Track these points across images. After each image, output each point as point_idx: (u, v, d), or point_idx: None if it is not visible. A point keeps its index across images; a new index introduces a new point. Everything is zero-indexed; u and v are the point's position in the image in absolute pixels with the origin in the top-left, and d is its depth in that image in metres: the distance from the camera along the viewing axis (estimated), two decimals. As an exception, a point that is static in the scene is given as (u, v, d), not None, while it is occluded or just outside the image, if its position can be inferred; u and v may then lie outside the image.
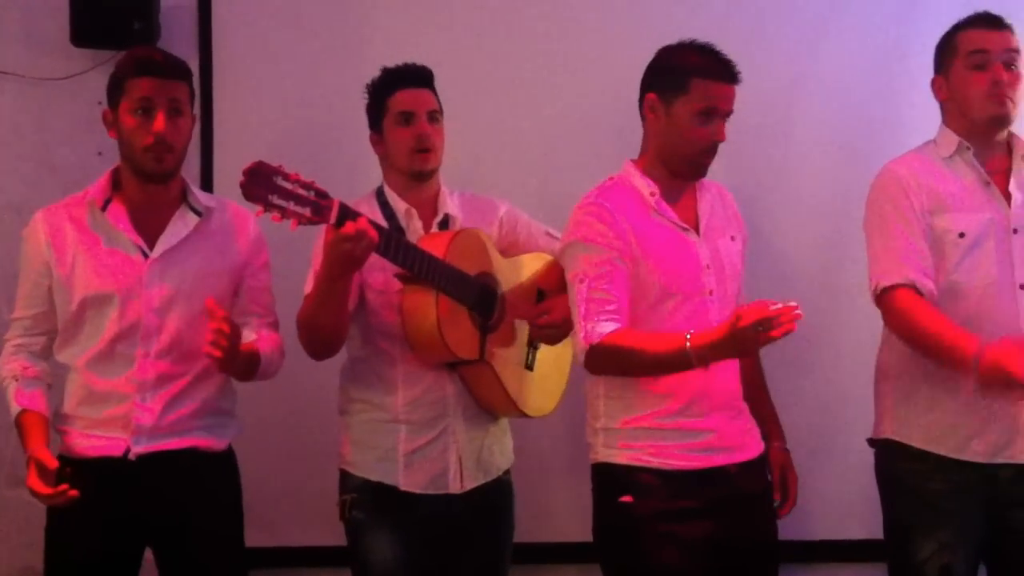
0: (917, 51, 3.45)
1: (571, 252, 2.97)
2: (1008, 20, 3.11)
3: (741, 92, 3.05)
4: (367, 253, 2.85)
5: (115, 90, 3.00)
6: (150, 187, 3.01)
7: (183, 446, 3.01)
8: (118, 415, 2.97)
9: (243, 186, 2.70)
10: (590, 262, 2.92)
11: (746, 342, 2.72)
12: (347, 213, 2.82)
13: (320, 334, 3.04)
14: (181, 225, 3.04)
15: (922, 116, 3.31)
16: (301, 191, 2.76)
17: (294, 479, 3.72)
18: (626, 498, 2.92)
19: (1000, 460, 2.99)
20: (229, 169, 3.09)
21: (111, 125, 3.02)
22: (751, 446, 3.03)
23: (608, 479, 2.97)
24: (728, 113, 2.98)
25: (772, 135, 3.84)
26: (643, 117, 3.05)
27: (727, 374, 2.98)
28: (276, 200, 2.71)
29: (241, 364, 2.96)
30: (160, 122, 2.94)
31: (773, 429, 3.15)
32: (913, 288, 2.98)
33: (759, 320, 2.66)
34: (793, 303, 2.67)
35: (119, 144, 3.02)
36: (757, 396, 3.14)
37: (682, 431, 2.93)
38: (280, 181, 2.73)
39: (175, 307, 3.00)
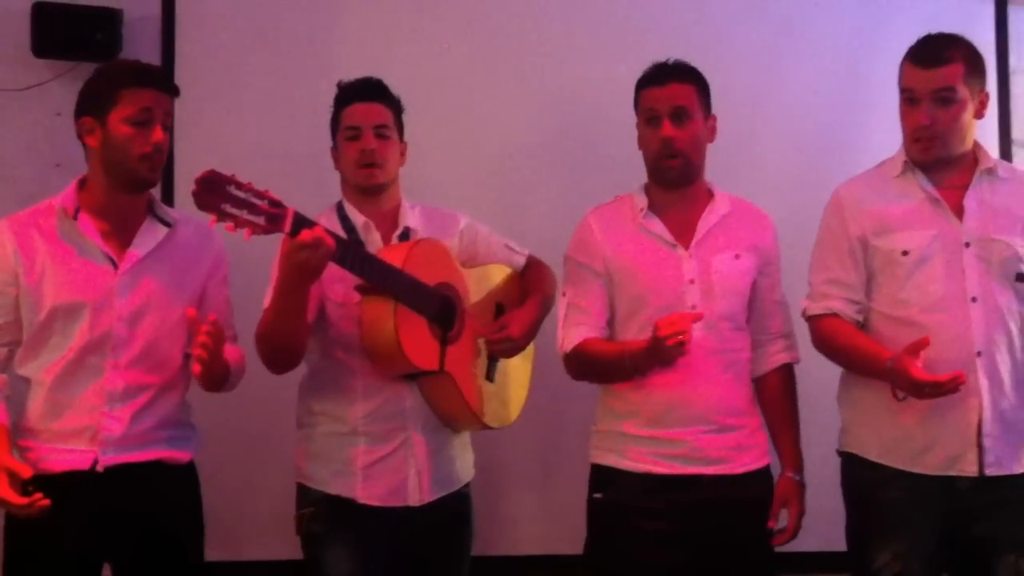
0: (879, 68, 3.47)
1: (564, 266, 3.27)
2: (948, 53, 3.02)
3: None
4: (324, 262, 2.84)
5: (104, 99, 2.97)
6: (123, 197, 3.00)
7: (149, 458, 2.99)
8: (85, 426, 2.94)
9: (195, 195, 2.68)
10: (572, 276, 3.22)
11: (661, 352, 2.94)
12: (302, 222, 2.81)
13: (279, 346, 3.02)
14: (151, 236, 3.03)
15: (885, 131, 3.33)
16: (255, 200, 2.74)
17: (251, 493, 3.71)
18: (597, 495, 3.15)
19: (952, 473, 3.01)
20: (190, 182, 3.08)
21: (88, 133, 2.99)
22: (741, 462, 3.12)
23: (592, 477, 3.19)
24: (669, 112, 3.12)
25: (733, 150, 3.82)
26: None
27: (708, 390, 3.09)
28: (229, 209, 2.70)
29: (219, 373, 2.95)
30: (158, 133, 2.96)
31: (785, 459, 3.20)
32: (836, 316, 3.11)
33: (671, 332, 2.89)
34: (694, 313, 2.99)
35: (100, 152, 2.98)
36: (774, 424, 3.22)
37: (655, 439, 3.09)
38: (233, 190, 2.71)
39: (145, 317, 2.99)
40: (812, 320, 3.16)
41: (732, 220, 3.20)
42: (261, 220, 2.74)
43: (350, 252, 2.93)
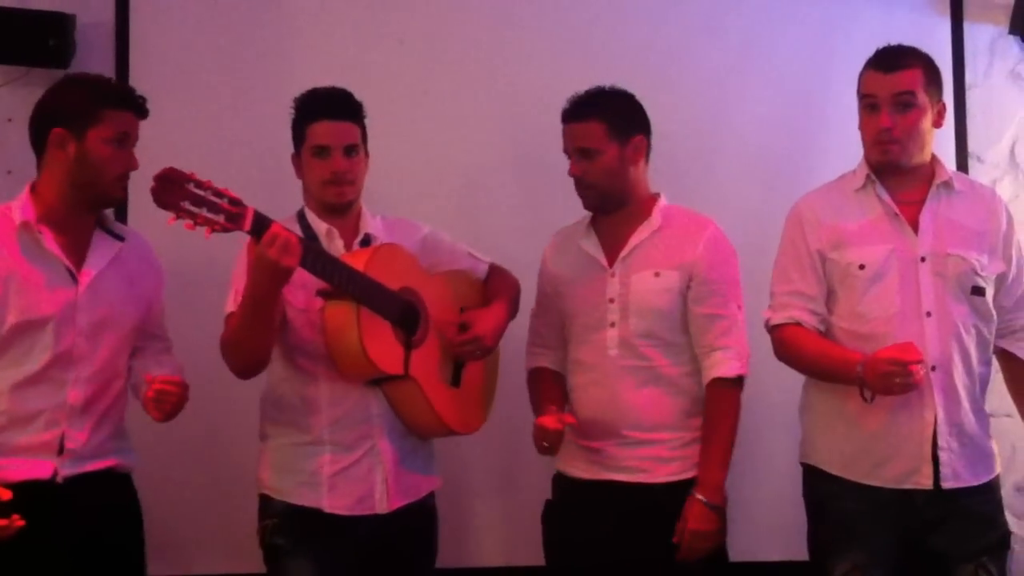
0: (837, 84, 3.50)
1: None
2: (907, 59, 3.07)
3: (663, 123, 3.25)
4: (294, 261, 2.82)
5: (84, 114, 2.94)
6: (83, 211, 2.99)
7: (104, 467, 3.00)
8: (46, 440, 2.92)
9: (154, 192, 2.68)
10: (536, 298, 3.38)
11: None
12: (262, 220, 2.80)
13: (249, 351, 3.00)
14: (105, 250, 3.02)
15: (843, 145, 3.36)
16: (214, 198, 2.73)
17: (211, 505, 3.66)
18: (550, 498, 3.31)
19: (907, 486, 3.03)
20: (144, 189, 3.04)
21: (59, 145, 2.94)
22: (661, 472, 3.18)
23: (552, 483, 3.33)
24: (575, 151, 3.22)
25: (693, 166, 3.86)
26: None
27: (622, 406, 3.17)
28: (188, 207, 2.68)
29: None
30: (132, 155, 2.99)
31: (699, 477, 3.15)
32: (799, 325, 3.12)
33: None
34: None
35: (71, 167, 2.94)
36: (701, 442, 3.19)
37: (580, 447, 3.23)
38: (192, 188, 2.70)
39: (104, 332, 2.99)
40: (775, 330, 3.17)
41: (661, 236, 3.24)
42: (220, 218, 2.73)
43: (311, 252, 2.90)
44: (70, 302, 2.95)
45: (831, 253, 3.11)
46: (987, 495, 3.09)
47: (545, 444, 3.13)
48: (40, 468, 2.92)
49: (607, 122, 3.21)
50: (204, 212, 2.71)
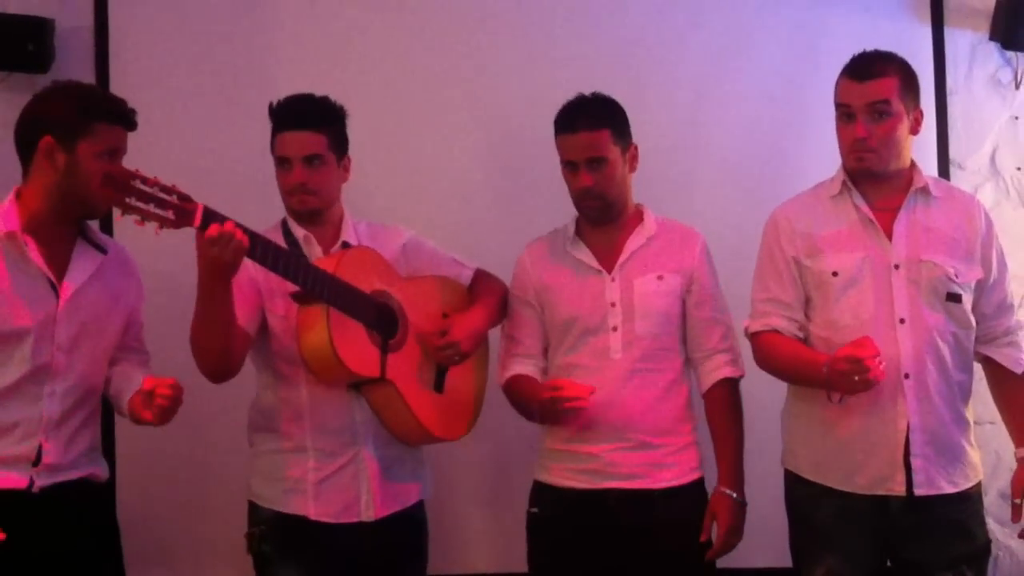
0: (816, 90, 3.50)
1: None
2: (882, 67, 3.05)
3: (642, 131, 3.24)
4: (238, 257, 2.79)
5: (76, 125, 2.89)
6: (68, 223, 2.95)
7: (79, 476, 2.96)
8: (22, 452, 2.88)
9: (97, 190, 2.68)
10: (510, 307, 3.33)
11: None
12: (212, 216, 2.77)
13: (209, 351, 2.96)
14: (87, 262, 2.97)
15: (822, 152, 3.35)
16: (162, 195, 2.70)
17: (196, 513, 3.65)
18: (532, 509, 3.25)
19: (881, 492, 3.03)
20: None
21: (47, 154, 2.89)
22: (659, 478, 3.16)
23: (531, 492, 3.27)
24: (585, 161, 3.17)
25: (673, 174, 3.86)
26: None
27: (623, 409, 3.15)
28: (134, 203, 2.65)
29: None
30: None
31: (720, 474, 3.21)
32: (776, 332, 3.14)
33: None
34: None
35: (58, 178, 2.90)
36: (715, 440, 3.25)
37: (571, 454, 3.18)
38: (138, 184, 2.67)
39: (82, 345, 2.95)
40: (754, 337, 3.18)
41: (657, 242, 3.26)
42: (168, 213, 2.70)
43: (269, 250, 2.87)
44: (50, 315, 2.91)
45: (806, 260, 3.11)
46: (965, 503, 3.08)
47: (562, 406, 3.05)
48: (16, 479, 2.88)
49: (613, 130, 3.20)
50: (152, 208, 2.67)
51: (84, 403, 2.98)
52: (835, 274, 3.07)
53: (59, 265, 2.94)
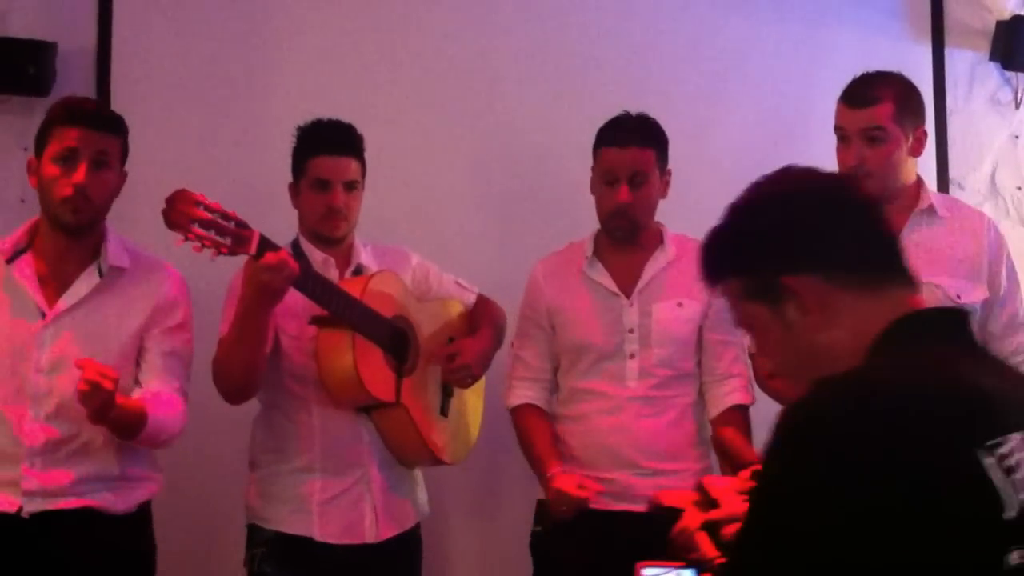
0: (818, 108, 3.49)
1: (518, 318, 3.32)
2: (877, 93, 3.03)
3: None
4: (287, 285, 2.81)
5: (41, 137, 2.86)
6: (62, 240, 2.87)
7: (78, 506, 2.84)
8: (4, 478, 2.81)
9: (165, 214, 2.66)
10: (520, 328, 3.29)
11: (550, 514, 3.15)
12: (267, 244, 2.79)
13: (237, 373, 2.97)
14: (83, 285, 2.89)
15: (825, 167, 3.32)
16: (222, 221, 2.71)
17: (201, 536, 3.63)
18: (536, 528, 3.24)
19: None
20: (124, 216, 3.02)
21: (34, 173, 2.88)
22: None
23: (535, 511, 3.27)
24: (629, 177, 3.11)
25: (674, 188, 3.83)
26: None
27: (639, 435, 3.13)
28: (197, 229, 2.67)
29: (116, 419, 2.72)
30: (81, 173, 2.79)
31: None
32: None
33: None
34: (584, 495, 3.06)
35: (39, 193, 2.87)
36: (722, 468, 3.17)
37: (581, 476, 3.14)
38: (201, 210, 2.68)
39: (64, 369, 2.80)
40: None
41: (678, 266, 3.19)
42: (227, 241, 2.71)
43: (311, 278, 2.90)
44: (31, 337, 2.83)
45: None
46: None
47: (564, 509, 3.05)
48: (5, 502, 2.81)
49: (658, 151, 3.20)
50: (212, 235, 2.70)
51: (75, 430, 2.82)
52: None
53: (61, 286, 2.88)
